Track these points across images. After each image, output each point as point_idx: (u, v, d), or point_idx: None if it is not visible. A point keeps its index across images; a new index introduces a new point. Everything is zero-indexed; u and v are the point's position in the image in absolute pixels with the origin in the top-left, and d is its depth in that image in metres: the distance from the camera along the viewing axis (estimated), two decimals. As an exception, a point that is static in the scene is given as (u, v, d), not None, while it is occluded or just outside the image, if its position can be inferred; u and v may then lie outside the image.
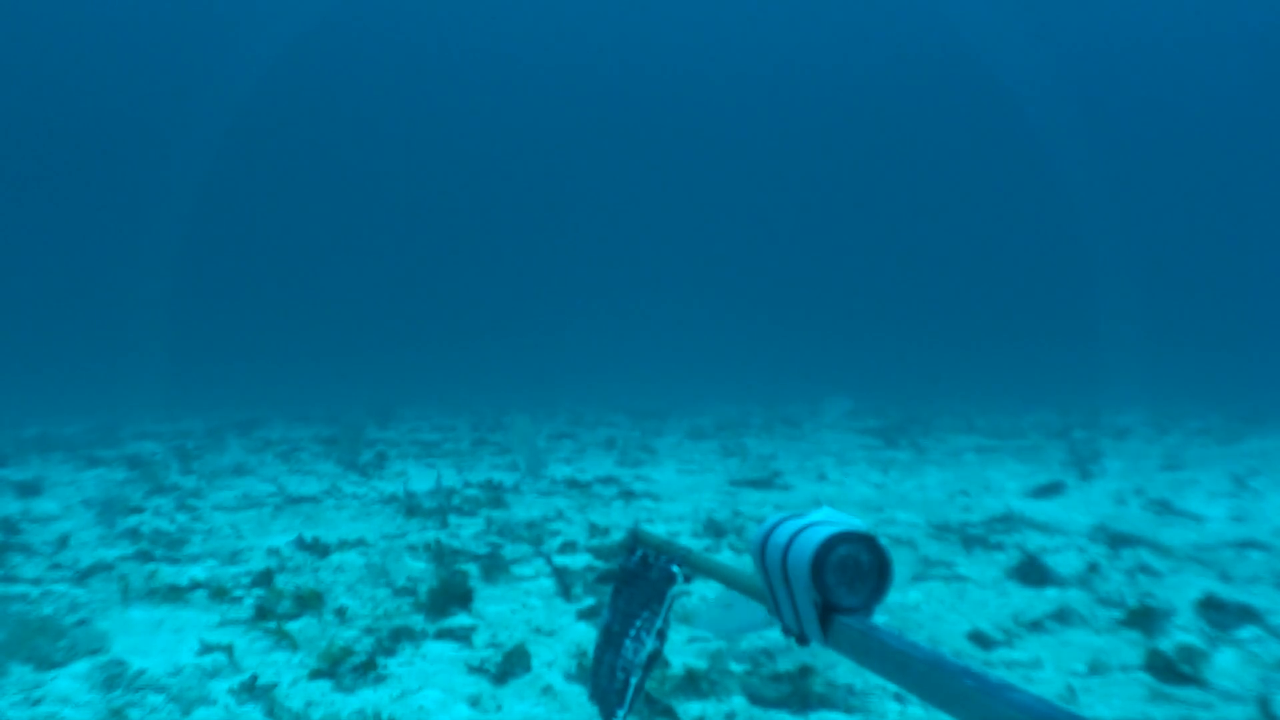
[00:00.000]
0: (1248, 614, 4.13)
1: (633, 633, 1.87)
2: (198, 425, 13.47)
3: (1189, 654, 3.58)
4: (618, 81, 54.04)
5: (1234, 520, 6.51)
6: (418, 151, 55.96)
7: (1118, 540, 5.69)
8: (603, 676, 1.92)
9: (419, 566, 5.14)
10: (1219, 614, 4.12)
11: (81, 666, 3.61)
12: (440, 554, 5.34)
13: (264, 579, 4.76)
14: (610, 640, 1.94)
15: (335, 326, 41.85)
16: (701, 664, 3.51)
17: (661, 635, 1.86)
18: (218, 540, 5.87)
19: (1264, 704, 3.18)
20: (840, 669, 3.45)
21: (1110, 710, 3.22)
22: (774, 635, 3.86)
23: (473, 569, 5.01)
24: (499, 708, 3.24)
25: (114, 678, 3.47)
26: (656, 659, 1.87)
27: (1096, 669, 3.59)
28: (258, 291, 49.48)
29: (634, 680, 1.85)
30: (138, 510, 6.86)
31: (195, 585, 4.72)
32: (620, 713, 1.85)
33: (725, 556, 5.47)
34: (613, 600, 1.99)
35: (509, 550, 5.47)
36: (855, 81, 53.21)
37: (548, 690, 3.37)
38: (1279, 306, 43.81)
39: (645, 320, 43.24)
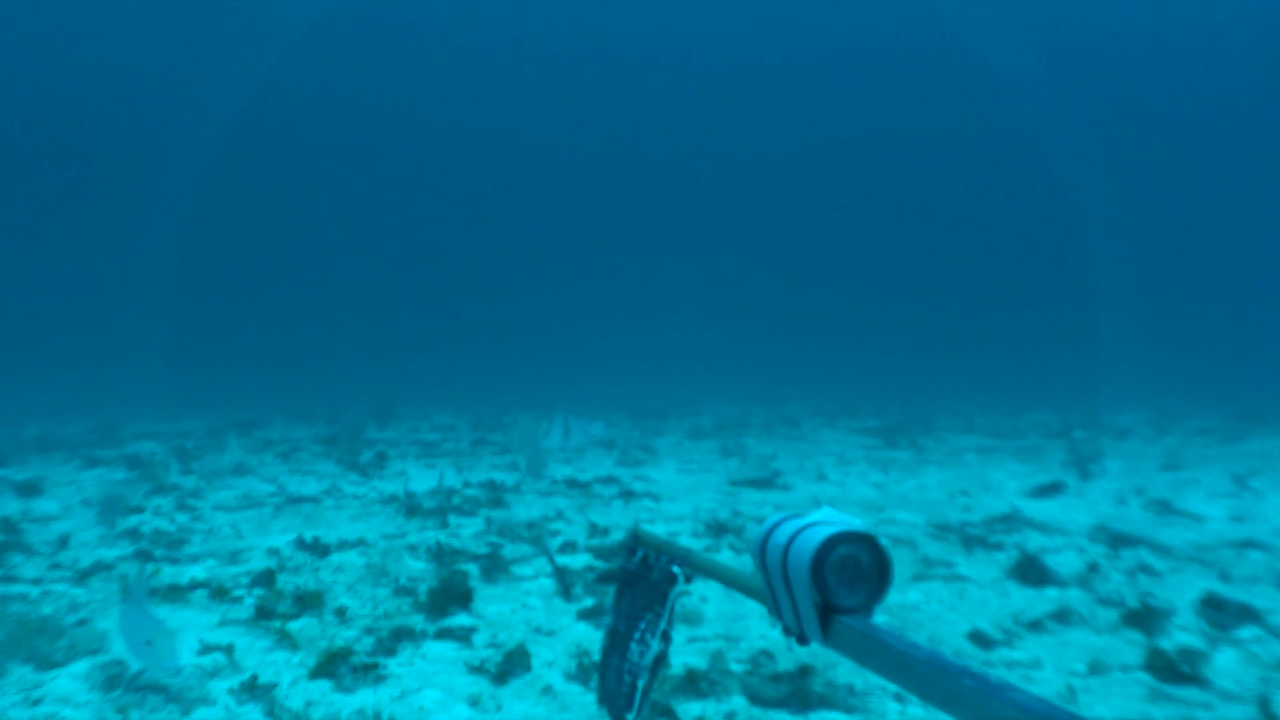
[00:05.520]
0: (1248, 614, 4.13)
1: (637, 635, 1.88)
2: (198, 425, 13.47)
3: (1189, 654, 3.58)
4: (618, 82, 54.05)
5: (1234, 520, 6.51)
6: (418, 151, 55.97)
7: (1118, 540, 5.69)
8: (610, 680, 1.93)
9: (419, 566, 5.14)
10: (1219, 614, 4.12)
11: (81, 666, 3.61)
12: (440, 554, 5.34)
13: (264, 579, 4.76)
14: (615, 643, 1.94)
15: (335, 326, 41.83)
16: (701, 664, 3.51)
17: (666, 636, 1.86)
18: (218, 540, 5.87)
19: (1264, 704, 3.18)
20: (840, 669, 3.45)
21: (1110, 710, 3.23)
22: (774, 635, 3.86)
23: (473, 569, 5.01)
24: (499, 708, 3.24)
25: (114, 678, 3.47)
26: (662, 660, 1.87)
27: (1096, 669, 3.59)
28: (258, 291, 49.48)
29: (641, 683, 1.85)
30: (138, 510, 6.86)
31: (195, 585, 4.72)
32: (629, 716, 1.85)
33: (725, 557, 5.47)
34: (616, 602, 1.99)
35: (509, 550, 5.47)
36: (854, 83, 53.22)
37: (548, 690, 3.37)
38: (1279, 306, 43.82)
39: (645, 320, 43.24)
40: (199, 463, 9.44)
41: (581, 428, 7.37)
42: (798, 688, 3.28)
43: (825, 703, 3.23)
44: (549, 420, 7.31)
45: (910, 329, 41.27)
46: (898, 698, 3.28)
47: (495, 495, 7.22)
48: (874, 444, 11.16)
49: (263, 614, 4.20)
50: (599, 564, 5.12)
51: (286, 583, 4.75)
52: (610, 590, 2.29)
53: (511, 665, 3.54)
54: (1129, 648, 3.81)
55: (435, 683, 3.46)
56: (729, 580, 1.62)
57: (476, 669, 3.56)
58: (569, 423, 7.37)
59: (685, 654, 3.68)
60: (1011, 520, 6.38)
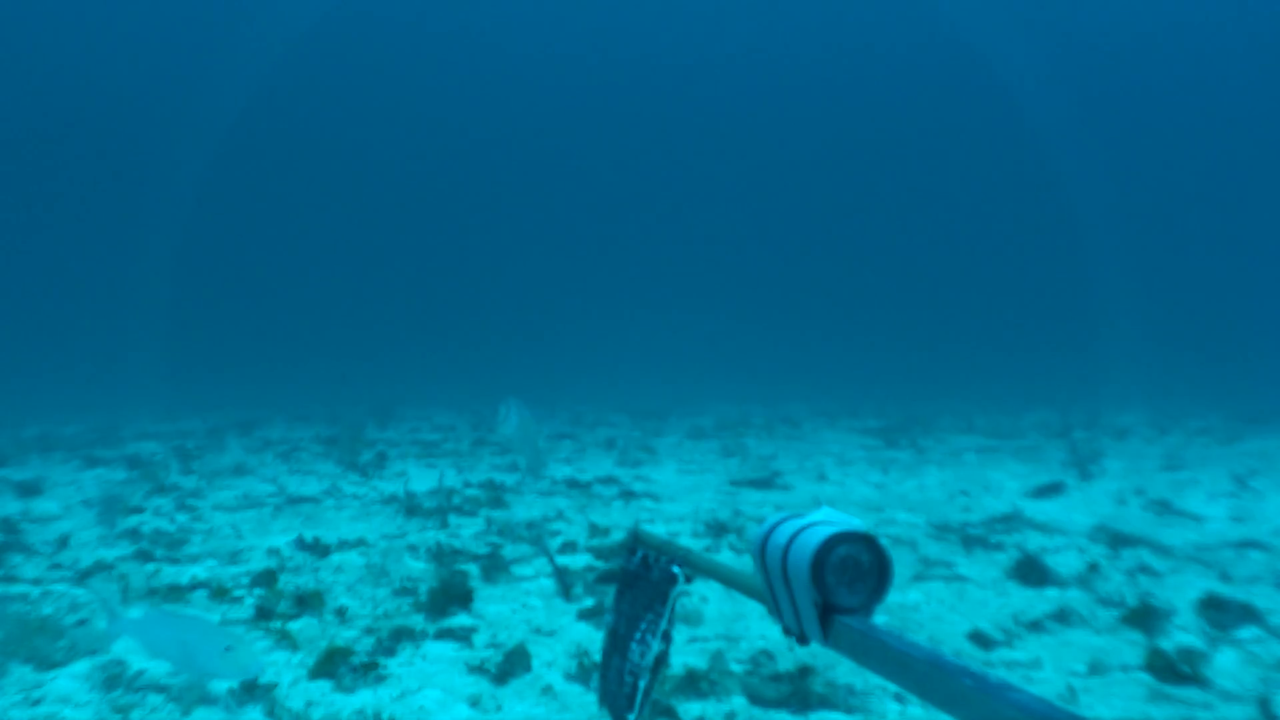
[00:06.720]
0: (1248, 614, 4.13)
1: (638, 635, 1.87)
2: (198, 425, 13.47)
3: (1189, 654, 3.58)
4: (618, 81, 54.08)
5: (1234, 520, 6.51)
6: (417, 151, 55.96)
7: (1118, 540, 5.69)
8: (611, 680, 1.93)
9: (419, 566, 5.14)
10: (1219, 614, 4.12)
11: (81, 666, 3.61)
12: (440, 554, 5.34)
13: (264, 579, 4.76)
14: (616, 644, 1.94)
15: (335, 326, 41.82)
16: (702, 664, 3.51)
17: (666, 637, 1.85)
18: (218, 540, 5.87)
19: (1264, 704, 3.18)
20: (840, 669, 3.45)
21: (1110, 710, 3.23)
22: (775, 635, 3.86)
23: (473, 569, 5.01)
24: (499, 708, 3.24)
25: (114, 678, 3.47)
26: (663, 661, 1.87)
27: (1096, 669, 3.59)
28: (257, 291, 49.47)
29: (642, 684, 1.85)
30: (138, 510, 6.86)
31: (196, 585, 4.73)
32: (630, 716, 1.85)
33: (725, 557, 5.47)
34: (616, 603, 1.99)
35: (509, 550, 5.47)
36: (853, 82, 53.24)
37: (548, 690, 3.37)
38: (1279, 306, 43.80)
39: (645, 320, 43.23)
40: (199, 463, 9.44)
41: (523, 412, 8.14)
42: (798, 688, 3.28)
43: (825, 703, 3.23)
44: (504, 407, 8.06)
45: (911, 329, 41.26)
46: (898, 698, 3.28)
47: (495, 495, 7.22)
48: (874, 444, 11.16)
49: (263, 614, 4.20)
50: (599, 564, 5.12)
51: (287, 583, 4.75)
52: (610, 590, 2.29)
53: (512, 665, 3.54)
54: (1129, 648, 3.81)
55: (435, 683, 3.46)
56: (729, 580, 1.62)
57: (477, 669, 3.56)
58: (515, 408, 8.11)
59: (686, 654, 3.68)
60: (1012, 520, 6.38)
